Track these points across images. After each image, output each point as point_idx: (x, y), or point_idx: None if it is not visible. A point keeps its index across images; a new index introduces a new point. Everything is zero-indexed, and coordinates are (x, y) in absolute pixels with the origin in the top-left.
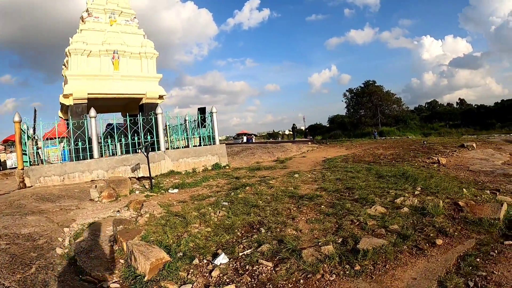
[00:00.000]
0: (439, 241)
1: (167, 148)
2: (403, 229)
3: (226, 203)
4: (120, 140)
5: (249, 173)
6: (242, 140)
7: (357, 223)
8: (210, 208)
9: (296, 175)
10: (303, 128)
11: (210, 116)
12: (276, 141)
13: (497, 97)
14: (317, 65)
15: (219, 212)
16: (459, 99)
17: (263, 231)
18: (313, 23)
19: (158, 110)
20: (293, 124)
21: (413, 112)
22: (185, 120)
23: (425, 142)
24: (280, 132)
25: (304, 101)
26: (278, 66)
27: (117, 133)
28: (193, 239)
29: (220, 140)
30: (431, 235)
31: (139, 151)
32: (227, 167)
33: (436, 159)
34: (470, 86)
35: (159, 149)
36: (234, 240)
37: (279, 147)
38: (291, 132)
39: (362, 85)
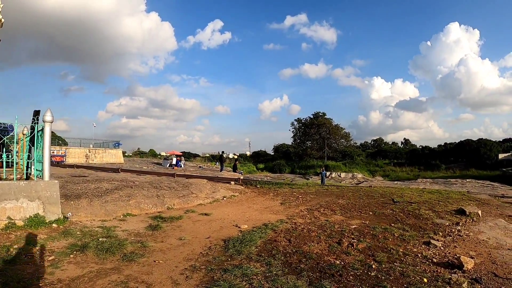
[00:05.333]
0: None
1: None
2: None
3: None
4: None
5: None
6: (171, 162)
7: None
8: None
9: None
10: (248, 153)
11: (42, 129)
12: (187, 175)
13: (438, 140)
14: (269, 93)
15: None
16: (404, 139)
17: None
18: (271, 52)
19: None
20: (222, 152)
21: (359, 148)
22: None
23: (394, 200)
24: (224, 155)
25: (252, 127)
26: (231, 88)
27: None
28: None
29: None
30: None
31: None
32: (53, 225)
33: (450, 254)
34: (414, 128)
35: None
36: None
37: (181, 188)
38: (228, 160)
39: (312, 116)
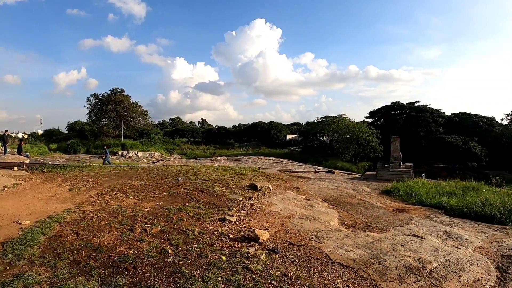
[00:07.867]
0: None
1: None
2: None
3: None
4: None
5: None
6: None
7: None
8: None
9: None
10: (39, 132)
11: None
12: None
13: (233, 121)
14: (66, 64)
15: None
16: (201, 119)
17: None
18: (74, 18)
19: None
20: (5, 131)
21: (157, 127)
22: None
23: (179, 179)
24: (13, 135)
25: (45, 101)
26: (24, 55)
27: None
28: None
29: None
30: None
31: None
32: None
33: (245, 228)
34: (211, 109)
35: None
36: None
37: None
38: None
39: (109, 92)
